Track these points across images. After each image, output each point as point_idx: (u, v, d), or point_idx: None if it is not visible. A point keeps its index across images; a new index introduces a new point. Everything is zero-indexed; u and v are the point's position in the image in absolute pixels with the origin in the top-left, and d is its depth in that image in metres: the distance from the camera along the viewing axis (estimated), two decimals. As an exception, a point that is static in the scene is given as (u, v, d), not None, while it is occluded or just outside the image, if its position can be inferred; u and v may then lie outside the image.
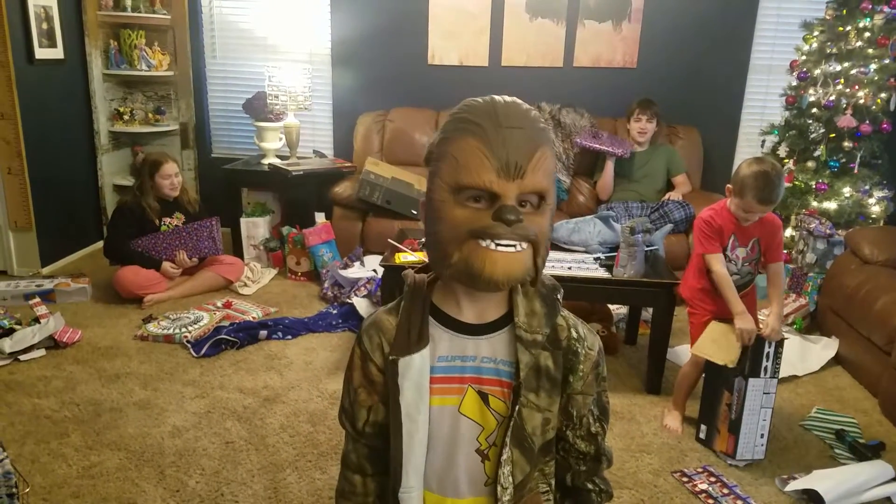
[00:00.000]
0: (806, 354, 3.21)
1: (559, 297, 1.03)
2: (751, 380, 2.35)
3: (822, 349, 3.25)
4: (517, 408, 0.97)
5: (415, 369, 0.97)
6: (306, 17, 4.53)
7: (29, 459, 2.27)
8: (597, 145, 4.03)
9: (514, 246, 0.87)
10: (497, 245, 0.86)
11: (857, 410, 2.82)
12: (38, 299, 3.38)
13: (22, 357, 2.95)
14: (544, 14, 4.40)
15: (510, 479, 0.99)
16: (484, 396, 0.99)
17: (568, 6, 4.37)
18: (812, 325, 3.55)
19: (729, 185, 2.40)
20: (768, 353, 2.35)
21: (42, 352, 3.01)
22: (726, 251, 2.43)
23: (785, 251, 3.75)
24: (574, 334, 1.02)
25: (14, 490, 1.31)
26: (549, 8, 4.39)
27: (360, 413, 1.06)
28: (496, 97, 0.91)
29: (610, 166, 4.05)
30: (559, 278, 3.04)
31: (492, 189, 0.86)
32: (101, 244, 4.45)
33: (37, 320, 3.16)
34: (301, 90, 4.25)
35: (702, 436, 2.51)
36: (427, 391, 0.98)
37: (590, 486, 1.12)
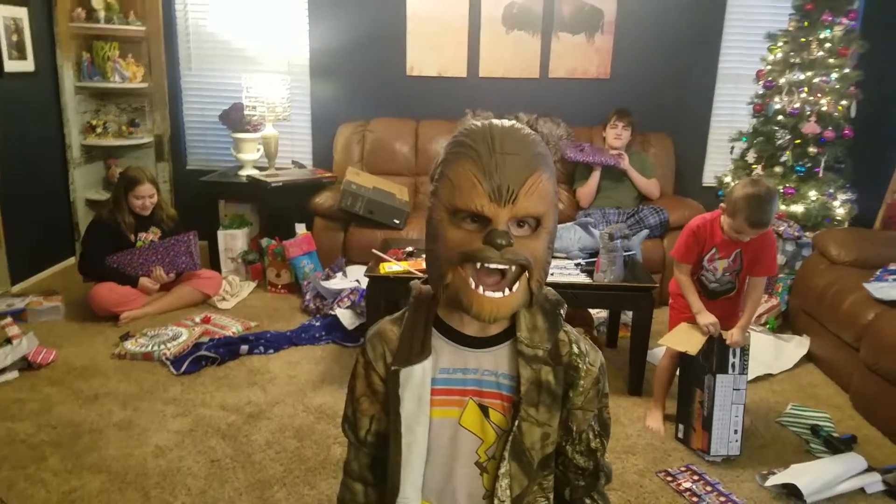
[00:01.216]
0: (779, 353, 3.32)
1: (562, 312, 1.04)
2: (719, 376, 2.45)
3: (795, 348, 3.36)
4: (517, 422, 0.98)
5: (416, 380, 0.98)
6: (284, 28, 4.51)
7: (5, 486, 2.20)
8: (588, 158, 4.08)
9: (502, 291, 0.90)
10: (486, 290, 0.89)
11: (830, 406, 2.91)
12: (9, 319, 3.28)
13: (-6, 379, 2.87)
14: (520, 27, 4.45)
15: (508, 492, 0.99)
16: (484, 409, 1.00)
17: (542, 19, 4.43)
18: (784, 324, 3.67)
19: (722, 204, 2.46)
20: (734, 350, 2.45)
21: (15, 374, 2.93)
22: (703, 261, 2.51)
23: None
24: (576, 350, 1.03)
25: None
26: (525, 21, 4.44)
27: (362, 422, 1.07)
28: (495, 122, 0.93)
29: (596, 176, 4.11)
30: None
31: (483, 213, 0.89)
32: (73, 260, 4.36)
33: (9, 341, 3.07)
34: (280, 101, 4.22)
35: (680, 435, 2.59)
36: (427, 402, 0.99)
37: (588, 501, 1.13)
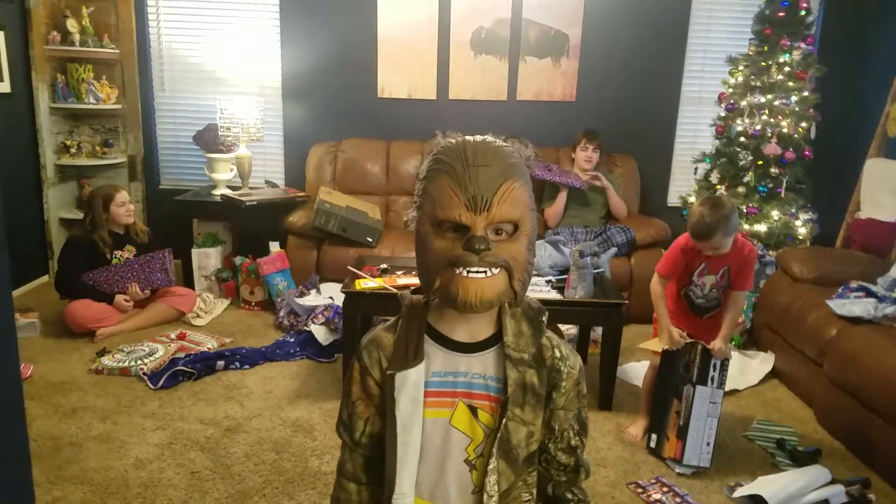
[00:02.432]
0: (745, 369, 3.39)
1: (544, 319, 1.12)
2: (698, 387, 2.53)
3: (760, 363, 3.42)
4: (504, 421, 1.05)
5: (410, 383, 1.04)
6: (256, 50, 4.61)
7: (-12, 497, 2.24)
8: (556, 178, 4.19)
9: (485, 272, 0.97)
10: (468, 272, 0.96)
11: (795, 420, 3.00)
12: (-15, 336, 3.30)
13: (-28, 395, 2.88)
14: (488, 51, 4.61)
15: (496, 487, 1.06)
16: (474, 410, 1.07)
17: (510, 43, 4.59)
18: (749, 341, 3.73)
19: None
20: (715, 363, 2.53)
21: (-7, 389, 2.95)
22: (692, 276, 2.59)
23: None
24: (558, 354, 1.11)
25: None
26: (493, 45, 4.60)
27: (357, 424, 1.13)
28: (468, 138, 1.02)
29: (563, 196, 4.21)
30: None
31: (461, 221, 0.97)
32: (47, 278, 4.37)
33: (-14, 357, 3.09)
34: (253, 122, 4.31)
35: (652, 444, 2.65)
36: (421, 404, 1.05)
37: (569, 496, 1.20)
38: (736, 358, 3.43)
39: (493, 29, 4.57)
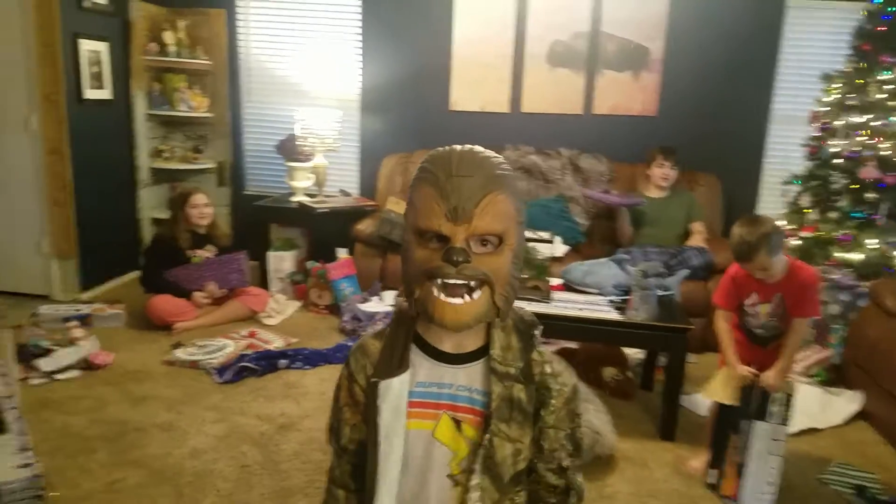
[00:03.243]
0: (827, 407, 3.14)
1: (537, 332, 1.09)
2: (756, 422, 2.36)
3: (846, 403, 3.17)
4: (488, 436, 1.02)
5: (394, 392, 1.03)
6: (338, 64, 4.77)
7: (58, 472, 2.41)
8: (605, 197, 4.08)
9: (463, 291, 0.95)
10: (445, 293, 0.94)
11: (880, 466, 2.75)
12: (75, 322, 3.57)
13: (57, 377, 3.13)
14: (564, 64, 4.57)
15: None
16: (458, 423, 1.04)
17: (587, 57, 4.54)
18: (836, 377, 3.46)
19: None
20: (775, 398, 2.35)
21: (76, 372, 3.19)
22: (745, 306, 2.45)
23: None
24: (548, 370, 1.07)
25: (41, 492, 1.44)
26: (569, 59, 4.56)
27: (343, 430, 1.14)
28: (456, 147, 0.99)
29: (624, 217, 4.10)
30: (571, 319, 3.02)
31: (441, 232, 0.95)
32: (137, 273, 4.67)
33: (72, 343, 3.35)
34: (330, 133, 4.45)
35: (711, 480, 2.51)
36: (404, 414, 1.04)
37: None
38: (817, 394, 3.22)
39: (571, 42, 4.53)
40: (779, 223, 2.38)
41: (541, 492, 1.12)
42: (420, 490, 1.06)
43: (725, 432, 2.46)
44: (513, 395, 1.03)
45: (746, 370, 2.39)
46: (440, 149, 1.01)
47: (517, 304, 1.08)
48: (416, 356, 1.06)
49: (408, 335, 1.06)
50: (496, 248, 0.97)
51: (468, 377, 1.05)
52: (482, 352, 1.05)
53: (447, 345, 1.05)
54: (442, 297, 0.95)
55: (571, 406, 1.09)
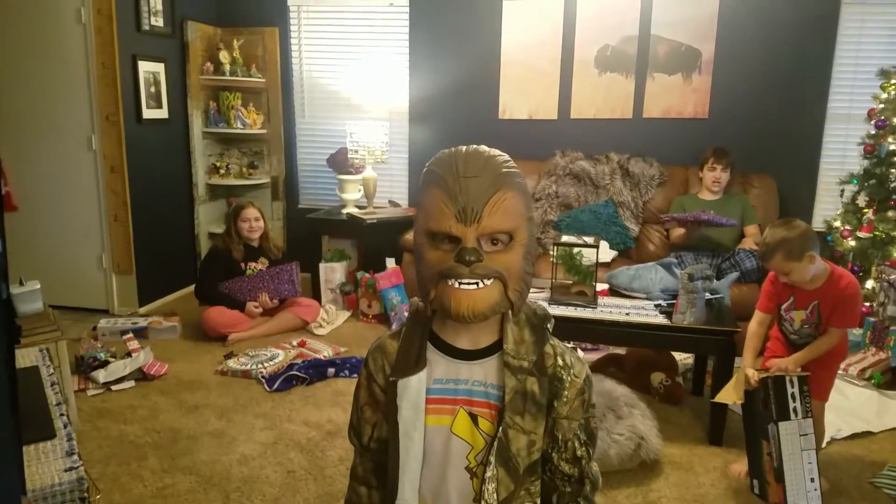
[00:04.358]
0: (883, 410, 3.09)
1: (549, 326, 1.10)
2: (781, 424, 2.32)
3: None
4: (502, 429, 1.03)
5: (412, 390, 1.05)
6: (387, 78, 4.84)
7: (111, 478, 2.49)
8: (711, 219, 3.79)
9: (476, 284, 0.96)
10: (460, 284, 0.96)
11: None
12: (131, 335, 3.70)
13: (113, 387, 3.24)
14: (613, 69, 4.51)
15: (494, 495, 1.04)
16: (474, 417, 1.06)
17: (637, 61, 4.46)
18: (893, 380, 3.39)
19: None
20: (793, 393, 2.31)
21: (132, 383, 3.29)
22: (781, 311, 2.45)
23: (867, 304, 3.60)
24: (560, 362, 1.08)
25: (86, 495, 1.48)
26: (618, 62, 4.50)
27: (365, 429, 1.16)
28: (461, 149, 1.00)
29: (681, 231, 3.98)
30: (618, 324, 3.00)
31: (452, 233, 0.96)
32: (193, 287, 4.81)
33: (129, 354, 3.46)
34: (379, 145, 4.51)
35: (756, 490, 2.45)
36: (423, 411, 1.06)
37: None
38: (873, 397, 3.17)
39: (620, 46, 4.47)
40: (814, 230, 2.36)
41: (556, 481, 1.14)
42: (440, 483, 1.08)
43: (758, 441, 2.42)
44: (526, 387, 1.05)
45: (752, 371, 2.38)
46: (446, 151, 1.02)
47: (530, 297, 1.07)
48: (433, 354, 1.08)
49: (424, 334, 1.08)
50: (507, 246, 0.99)
51: (483, 372, 1.07)
52: (496, 347, 1.07)
53: (463, 341, 1.07)
54: (456, 284, 0.96)
55: (584, 396, 1.10)
